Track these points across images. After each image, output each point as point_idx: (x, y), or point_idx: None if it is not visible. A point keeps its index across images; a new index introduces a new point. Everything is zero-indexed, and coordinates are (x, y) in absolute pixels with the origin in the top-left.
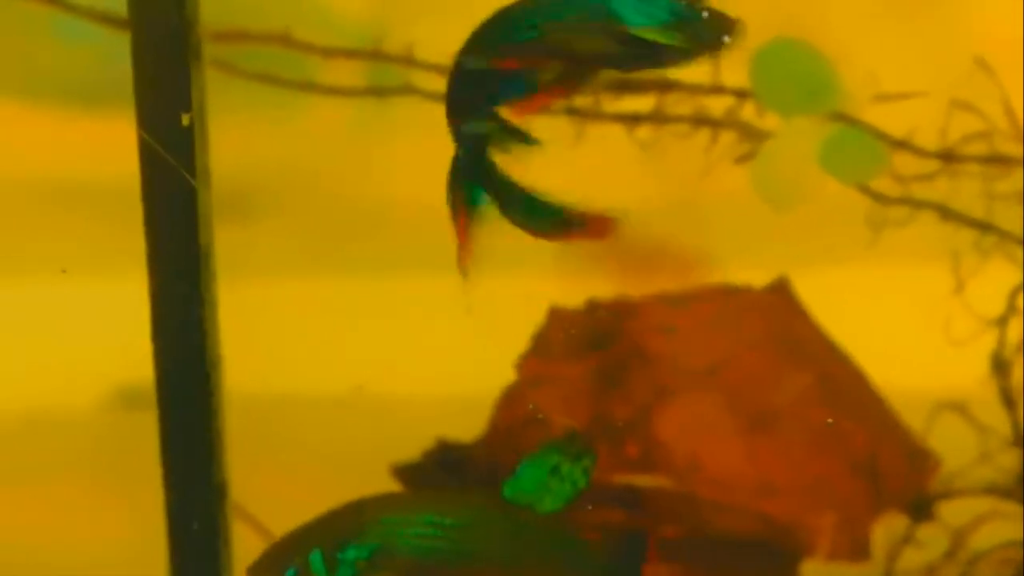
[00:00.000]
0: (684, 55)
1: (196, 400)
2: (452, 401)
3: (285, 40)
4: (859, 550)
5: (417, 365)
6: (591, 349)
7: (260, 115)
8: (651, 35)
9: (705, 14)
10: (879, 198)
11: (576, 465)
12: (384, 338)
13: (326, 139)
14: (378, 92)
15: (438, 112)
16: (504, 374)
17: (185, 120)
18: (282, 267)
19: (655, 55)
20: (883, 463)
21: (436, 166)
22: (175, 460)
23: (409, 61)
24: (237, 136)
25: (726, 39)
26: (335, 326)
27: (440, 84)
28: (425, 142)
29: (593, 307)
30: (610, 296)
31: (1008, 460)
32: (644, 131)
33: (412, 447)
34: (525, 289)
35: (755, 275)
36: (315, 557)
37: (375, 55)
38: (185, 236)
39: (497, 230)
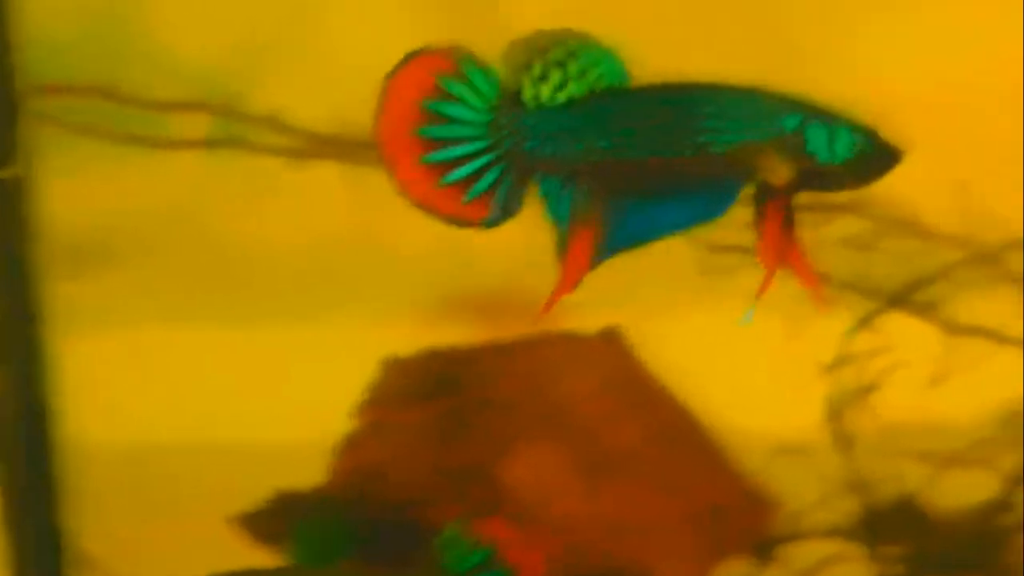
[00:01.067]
0: (856, 184)
1: (32, 451)
2: (296, 448)
3: (108, 93)
4: None
5: (260, 413)
6: (430, 397)
7: (98, 169)
8: (833, 170)
9: (878, 148)
10: (710, 246)
11: None
12: (228, 387)
13: (165, 192)
14: (209, 144)
15: (267, 164)
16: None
17: (7, 173)
18: (124, 318)
19: (833, 183)
20: (723, 507)
21: (269, 219)
22: (13, 508)
23: (238, 114)
24: (76, 190)
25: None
26: (178, 375)
27: (271, 137)
28: (260, 195)
29: (430, 355)
30: (446, 344)
31: (848, 503)
32: None
33: (255, 494)
34: (370, 337)
35: (590, 322)
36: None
37: (202, 107)
38: (14, 292)
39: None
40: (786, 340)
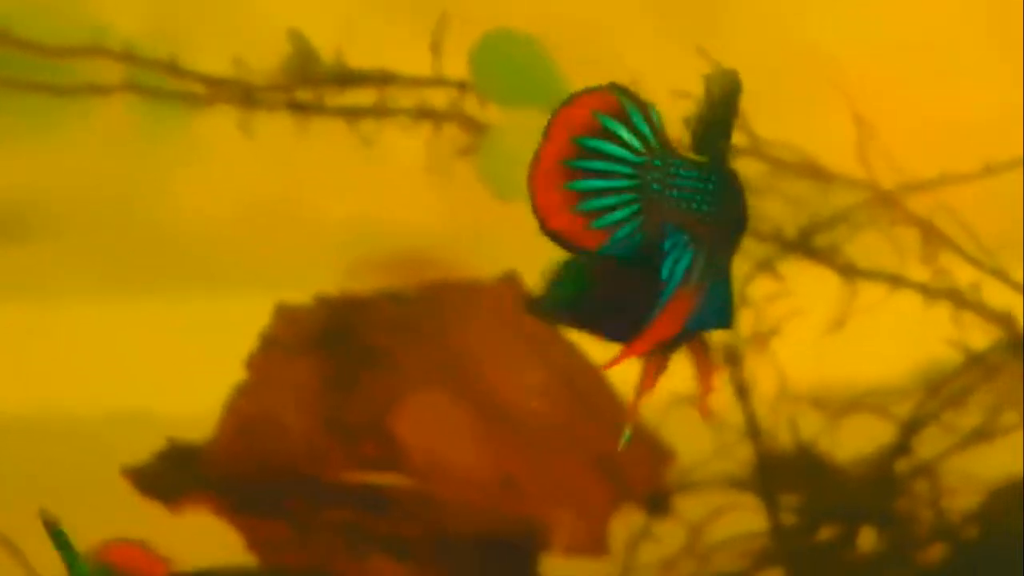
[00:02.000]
0: None
1: None
2: (186, 408)
3: (3, 37)
4: (597, 544)
5: (170, 383)
6: (321, 347)
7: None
8: None
9: None
10: None
11: None
12: (137, 358)
13: (70, 150)
14: (107, 91)
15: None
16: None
17: None
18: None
19: None
20: (620, 458)
21: (175, 179)
22: None
23: (138, 59)
24: None
25: None
26: (87, 347)
27: (163, 81)
28: (162, 143)
29: (321, 303)
30: (338, 292)
31: (743, 452)
32: (366, 124)
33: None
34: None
35: (487, 268)
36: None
37: (101, 52)
38: None
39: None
40: None
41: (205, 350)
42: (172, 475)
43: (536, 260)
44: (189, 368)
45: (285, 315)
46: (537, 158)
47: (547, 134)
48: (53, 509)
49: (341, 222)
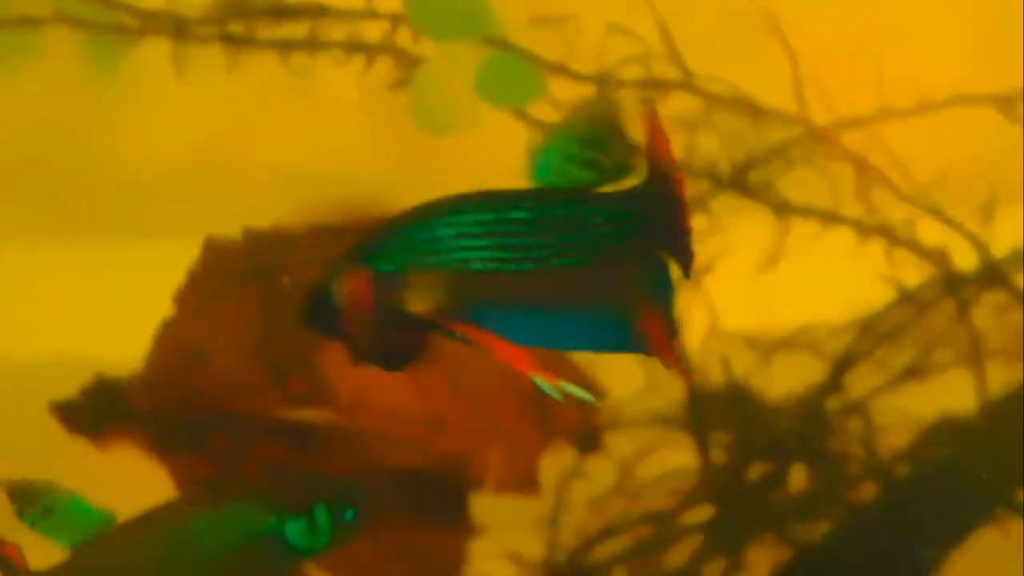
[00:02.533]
0: None
1: None
2: (119, 351)
3: None
4: (528, 482)
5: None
6: (250, 282)
7: None
8: None
9: None
10: (537, 124)
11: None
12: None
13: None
14: (31, 23)
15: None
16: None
17: None
18: None
19: None
20: (549, 397)
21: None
22: None
23: None
24: None
25: None
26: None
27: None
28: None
29: (249, 237)
30: (266, 226)
31: (673, 390)
32: (298, 58)
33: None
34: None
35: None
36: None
37: None
38: None
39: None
40: None
41: (137, 292)
42: (98, 411)
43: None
44: (121, 310)
45: (213, 250)
46: None
47: None
48: None
49: (275, 158)
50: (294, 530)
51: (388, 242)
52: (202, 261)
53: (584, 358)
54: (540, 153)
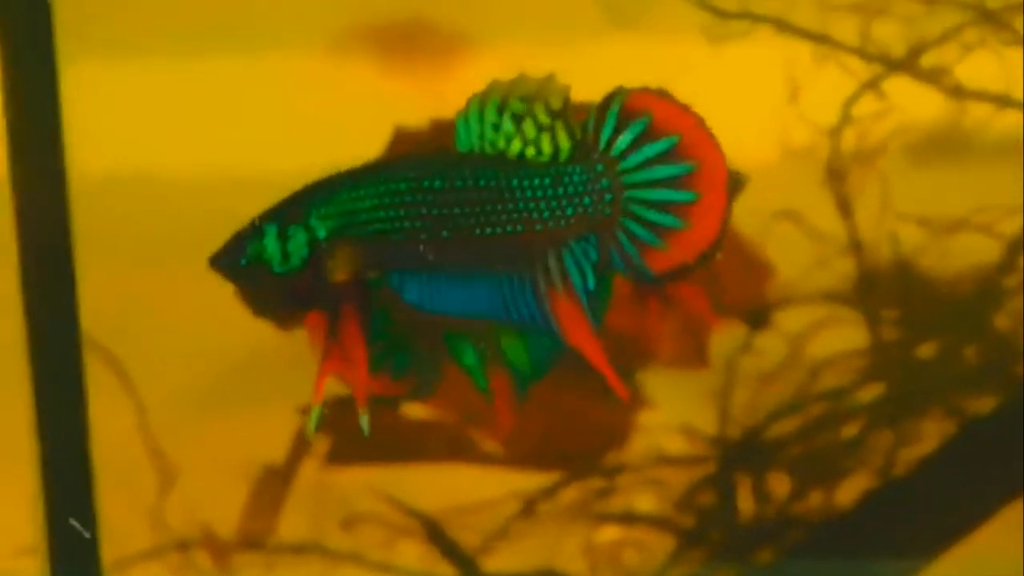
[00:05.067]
0: None
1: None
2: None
3: None
4: (698, 357)
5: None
6: None
7: None
8: None
9: None
10: (718, 12)
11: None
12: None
13: None
14: None
15: None
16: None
17: None
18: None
19: None
20: (719, 272)
21: None
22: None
23: None
24: None
25: None
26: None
27: None
28: None
29: (436, 127)
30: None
31: (844, 266)
32: None
33: None
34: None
35: (595, 92)
36: (270, 230)
37: None
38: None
39: None
40: (787, 103)
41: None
42: None
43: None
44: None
45: (401, 139)
46: None
47: None
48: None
49: None
50: None
51: (321, 206)
52: (389, 149)
53: (752, 234)
54: (461, 118)
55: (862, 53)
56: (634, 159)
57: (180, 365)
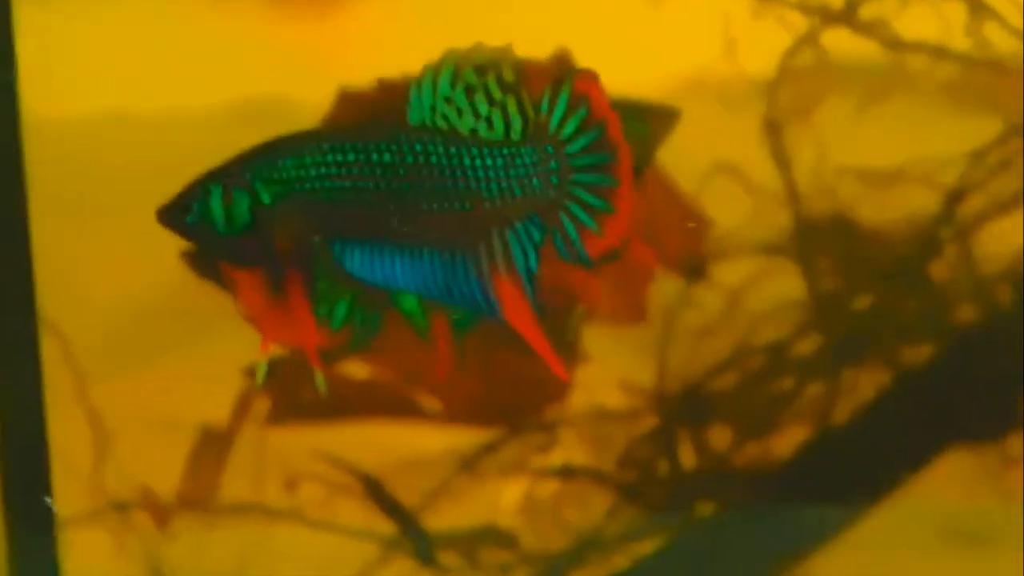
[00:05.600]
0: None
1: None
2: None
3: None
4: (636, 312)
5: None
6: None
7: None
8: None
9: None
10: None
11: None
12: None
13: None
14: None
15: None
16: None
17: None
18: None
19: None
20: (657, 227)
21: None
22: None
23: None
24: None
25: None
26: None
27: None
28: None
29: (383, 87)
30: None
31: (782, 218)
32: None
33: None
34: None
35: (539, 49)
36: (215, 190)
37: None
38: None
39: None
40: (724, 57)
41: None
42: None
43: None
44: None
45: (347, 99)
46: None
47: None
48: None
49: None
50: None
51: (266, 172)
52: (336, 110)
53: (690, 187)
54: (414, 88)
55: (801, 6)
56: (578, 143)
57: (119, 323)
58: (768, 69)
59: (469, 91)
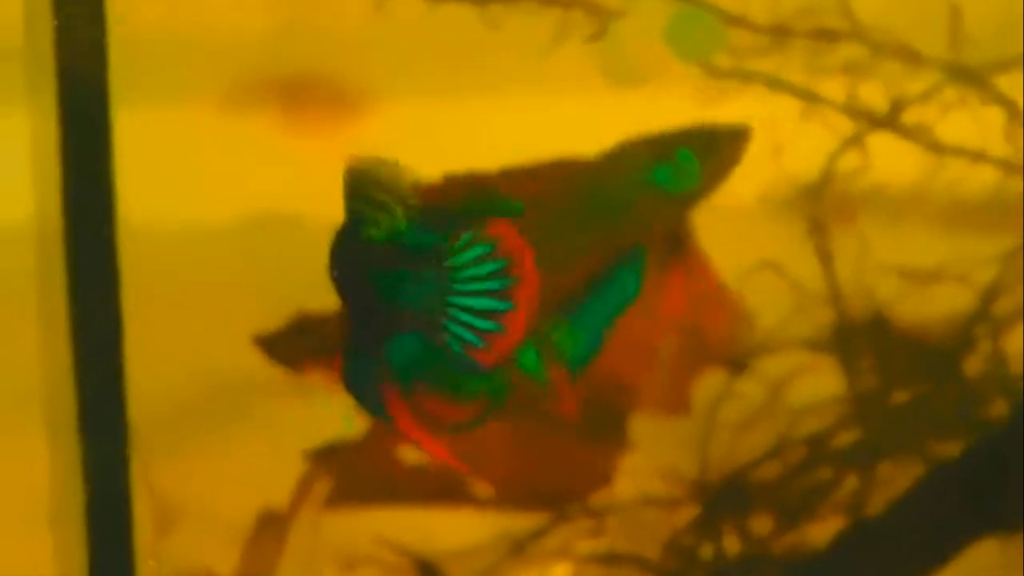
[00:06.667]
0: None
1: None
2: None
3: None
4: (680, 405)
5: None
6: None
7: None
8: None
9: None
10: (712, 71)
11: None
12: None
13: None
14: None
15: None
16: None
17: None
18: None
19: None
20: (702, 321)
21: None
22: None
23: None
24: None
25: None
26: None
27: None
28: None
29: (449, 181)
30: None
31: (823, 315)
32: (495, 9)
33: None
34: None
35: (590, 148)
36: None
37: None
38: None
39: None
40: (771, 157)
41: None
42: (299, 344)
43: None
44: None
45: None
46: None
47: None
48: None
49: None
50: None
51: None
52: None
53: (735, 284)
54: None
55: (847, 110)
56: (469, 271)
57: (185, 400)
58: (813, 170)
59: (368, 202)
